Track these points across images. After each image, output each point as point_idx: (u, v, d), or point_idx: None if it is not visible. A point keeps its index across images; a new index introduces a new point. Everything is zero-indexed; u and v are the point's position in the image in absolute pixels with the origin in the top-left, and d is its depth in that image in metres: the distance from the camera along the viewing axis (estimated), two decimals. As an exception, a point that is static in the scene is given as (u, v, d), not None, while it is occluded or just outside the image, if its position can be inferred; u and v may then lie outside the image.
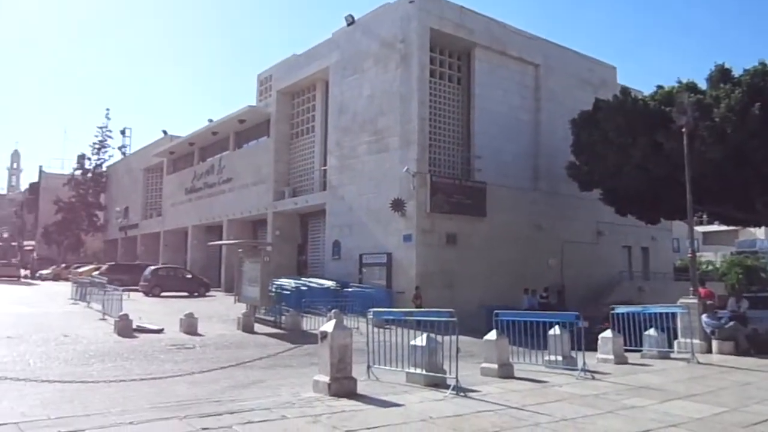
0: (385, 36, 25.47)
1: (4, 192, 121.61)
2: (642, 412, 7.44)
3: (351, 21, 27.44)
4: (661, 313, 13.93)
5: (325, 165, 29.56)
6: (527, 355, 11.48)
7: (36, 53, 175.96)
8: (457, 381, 8.29)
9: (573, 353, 11.14)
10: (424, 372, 8.84)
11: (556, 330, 11.31)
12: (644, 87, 26.10)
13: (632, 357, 12.81)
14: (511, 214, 25.55)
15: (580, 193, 25.80)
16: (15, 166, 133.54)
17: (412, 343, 9.11)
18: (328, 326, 7.87)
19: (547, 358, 11.37)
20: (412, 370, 9.07)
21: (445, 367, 8.81)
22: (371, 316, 10.27)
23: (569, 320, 11.35)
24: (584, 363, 10.45)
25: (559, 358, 11.19)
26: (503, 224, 25.12)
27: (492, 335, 10.34)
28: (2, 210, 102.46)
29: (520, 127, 27.67)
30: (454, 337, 8.45)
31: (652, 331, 13.52)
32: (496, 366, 10.02)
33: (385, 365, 9.53)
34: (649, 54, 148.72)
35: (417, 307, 19.14)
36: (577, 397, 8.48)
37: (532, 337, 11.22)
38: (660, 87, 22.25)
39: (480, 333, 11.61)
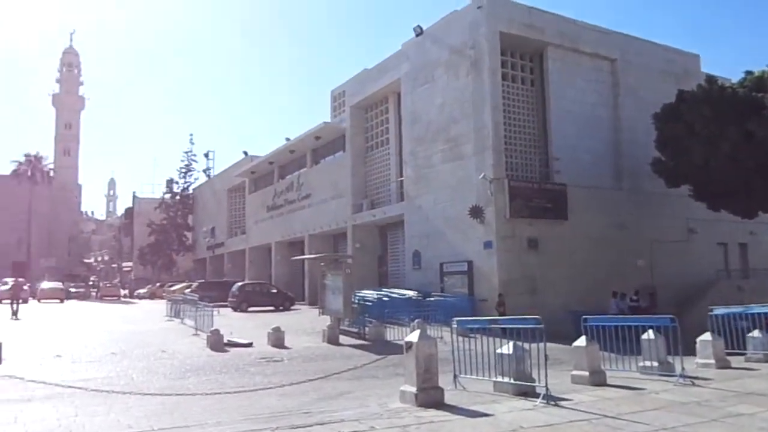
0: (455, 43, 25.40)
1: (104, 218, 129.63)
2: (750, 420, 6.99)
3: (420, 32, 27.54)
4: (765, 314, 13.05)
5: (401, 176, 29.70)
6: (619, 361, 11.05)
7: (123, 91, 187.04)
8: (547, 389, 8.09)
9: (669, 358, 10.62)
10: (512, 381, 8.68)
11: (650, 334, 10.83)
12: (731, 74, 24.62)
13: (735, 361, 12.06)
14: (593, 216, 24.72)
15: (666, 190, 24.63)
16: (111, 193, 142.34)
17: (499, 351, 8.96)
18: (413, 336, 7.88)
19: (641, 364, 10.89)
20: (499, 378, 8.92)
21: (534, 375, 8.62)
22: (455, 325, 10.21)
23: (664, 324, 10.82)
24: (683, 368, 9.95)
25: (655, 363, 10.69)
26: (586, 226, 24.34)
27: (581, 341, 10.03)
28: (102, 234, 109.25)
29: (599, 125, 26.79)
30: (541, 345, 8.26)
31: (756, 333, 12.69)
32: (587, 373, 9.69)
33: (471, 374, 9.43)
34: (734, 39, 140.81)
35: (501, 315, 18.82)
36: (677, 404, 8.07)
37: (624, 343, 10.79)
38: (749, 72, 20.99)
39: (567, 339, 11.29)
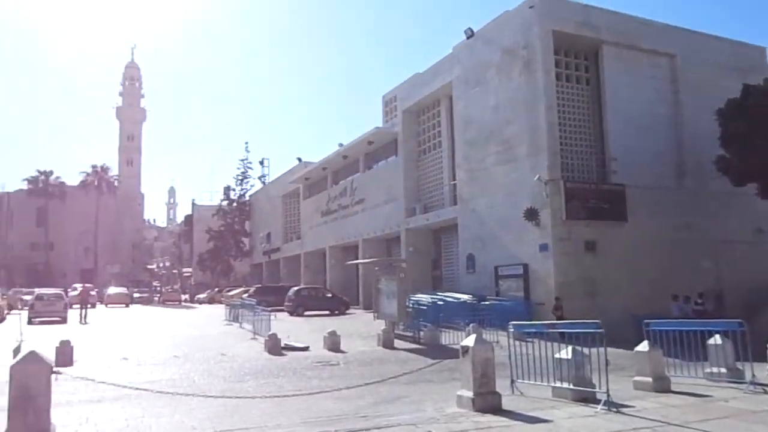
0: (507, 44, 25.13)
1: (165, 225, 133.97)
2: (828, 430, 6.63)
3: (470, 34, 27.37)
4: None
5: (454, 179, 29.56)
6: (684, 367, 10.66)
7: (181, 102, 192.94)
8: (609, 395, 7.89)
9: (739, 365, 10.18)
10: (571, 386, 8.50)
11: (717, 339, 10.41)
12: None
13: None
14: (654, 216, 23.93)
15: (732, 189, 23.58)
16: (172, 201, 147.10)
17: (557, 356, 8.80)
18: (469, 341, 7.82)
19: (707, 370, 10.48)
20: (558, 384, 8.76)
21: (594, 380, 8.42)
22: (511, 329, 10.08)
23: (731, 328, 10.38)
24: (753, 375, 9.52)
25: (723, 370, 10.27)
26: (646, 227, 23.59)
27: (643, 346, 9.74)
28: (164, 241, 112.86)
29: (658, 123, 25.95)
30: (601, 349, 8.06)
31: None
32: (650, 379, 9.41)
33: (528, 380, 9.29)
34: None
35: (558, 319, 18.46)
36: (748, 413, 7.73)
37: (689, 348, 10.40)
38: (821, 64, 19.93)
39: (627, 344, 10.98)
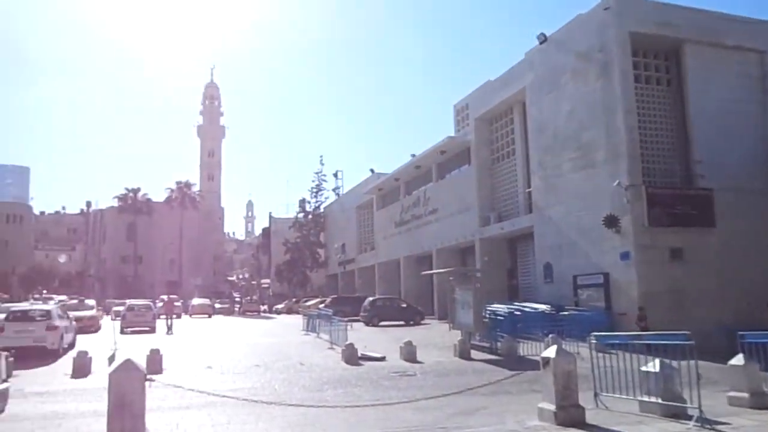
0: (582, 48, 24.53)
1: (243, 238, 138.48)
2: None
3: (543, 39, 26.92)
4: None
5: (529, 187, 29.04)
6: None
7: (257, 117, 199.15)
8: (701, 411, 7.50)
9: None
10: (660, 401, 8.14)
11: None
12: None
13: None
14: (745, 222, 22.57)
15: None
16: (250, 214, 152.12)
17: (643, 368, 8.46)
18: (550, 352, 7.65)
19: (812, 385, 9.77)
20: (645, 398, 8.40)
21: (685, 395, 8.02)
22: (593, 341, 9.77)
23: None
24: None
25: (829, 385, 9.55)
26: (737, 233, 22.29)
27: (738, 359, 9.21)
28: (243, 253, 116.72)
29: (746, 123, 24.52)
30: (691, 362, 7.68)
31: None
32: (746, 395, 8.88)
33: (613, 393, 8.96)
34: None
35: (642, 330, 17.72)
36: None
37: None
38: None
39: (719, 357, 10.42)
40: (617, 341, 10.44)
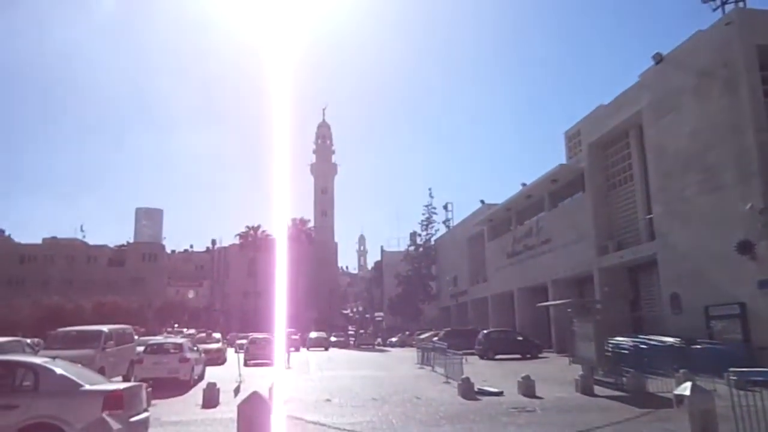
0: (702, 65, 23.26)
1: (356, 271, 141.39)
2: None
3: (659, 59, 25.82)
4: None
5: (649, 213, 27.61)
6: None
7: (367, 153, 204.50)
8: None
9: None
10: (814, 445, 7.35)
11: None
12: None
13: None
14: None
15: None
16: (362, 248, 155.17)
17: (793, 409, 7.69)
18: (684, 389, 7.18)
19: None
20: (797, 441, 7.62)
21: None
22: (733, 377, 9.03)
23: None
24: None
25: None
26: None
27: None
28: (356, 287, 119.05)
29: None
30: None
31: None
32: None
33: (758, 435, 8.19)
34: None
35: (789, 366, 16.11)
36: None
37: None
38: None
39: None
40: (760, 378, 9.58)
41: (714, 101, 22.66)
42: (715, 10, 23.82)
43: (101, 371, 14.60)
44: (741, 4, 23.22)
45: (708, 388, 8.94)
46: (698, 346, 20.40)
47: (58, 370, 8.37)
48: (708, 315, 22.47)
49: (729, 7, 23.30)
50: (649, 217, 27.68)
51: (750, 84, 21.22)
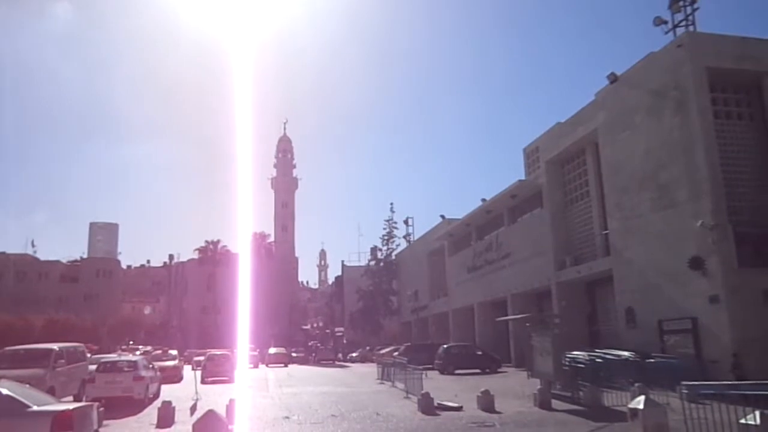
0: (655, 86, 24.00)
1: (317, 286, 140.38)
2: None
3: (614, 79, 26.56)
4: None
5: (605, 229, 28.21)
6: None
7: (327, 167, 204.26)
8: (811, 468, 6.90)
9: None
10: (763, 456, 7.55)
11: None
12: None
13: None
14: None
15: None
16: (323, 263, 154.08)
17: (742, 421, 7.89)
18: (637, 402, 7.31)
19: None
20: (745, 453, 7.81)
21: (791, 450, 7.42)
22: (685, 390, 9.23)
23: None
24: None
25: None
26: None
27: None
28: (316, 302, 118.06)
29: (843, 155, 23.10)
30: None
31: None
32: None
33: (710, 447, 8.38)
34: None
35: (737, 379, 16.60)
36: None
37: None
38: None
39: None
40: (711, 391, 9.81)
41: (666, 121, 23.37)
42: (667, 33, 24.68)
43: (51, 391, 14.11)
44: (692, 28, 24.07)
45: (661, 402, 9.13)
46: (652, 360, 20.83)
47: (4, 391, 8.06)
48: (662, 329, 22.98)
49: (680, 30, 24.17)
50: (605, 233, 28.27)
51: (700, 105, 21.96)
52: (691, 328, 21.52)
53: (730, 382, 12.23)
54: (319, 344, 64.67)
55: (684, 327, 21.90)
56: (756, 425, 7.64)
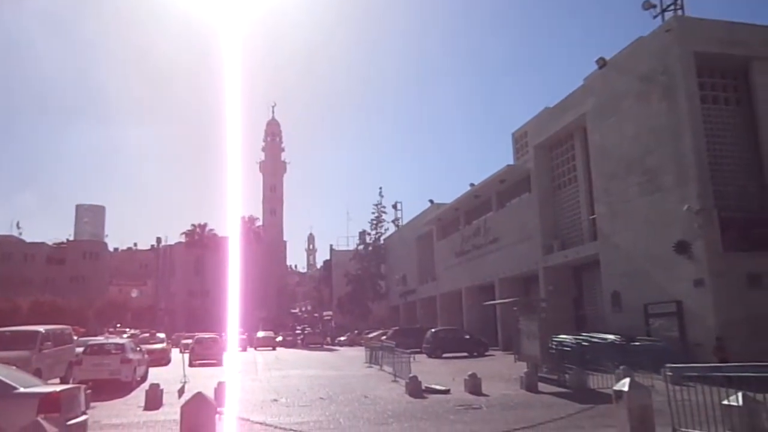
0: (643, 71, 24.05)
1: (305, 270, 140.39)
2: None
3: (603, 64, 26.56)
4: None
5: (592, 214, 28.38)
6: None
7: (317, 150, 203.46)
8: (791, 448, 7.02)
9: None
10: (743, 437, 7.67)
11: None
12: None
13: None
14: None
15: None
16: (311, 247, 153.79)
17: (725, 402, 8.00)
18: (622, 385, 7.38)
19: None
20: (728, 434, 7.94)
21: (772, 431, 7.54)
22: (669, 373, 9.34)
23: None
24: None
25: None
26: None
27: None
28: (305, 286, 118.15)
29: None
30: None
31: None
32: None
33: (692, 428, 8.51)
34: None
35: (720, 361, 16.83)
36: None
37: None
38: None
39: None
40: (695, 373, 9.94)
41: (654, 106, 23.45)
42: (655, 17, 24.75)
43: (37, 373, 14.04)
44: (680, 12, 24.10)
45: (646, 384, 9.23)
46: (637, 343, 21.07)
47: (-10, 373, 7.99)
48: (647, 313, 23.24)
49: (669, 15, 24.19)
50: (592, 217, 28.45)
51: (687, 90, 22.05)
52: (676, 312, 21.79)
53: (713, 365, 12.39)
54: (308, 328, 64.79)
55: (669, 310, 22.17)
56: (738, 406, 7.76)
